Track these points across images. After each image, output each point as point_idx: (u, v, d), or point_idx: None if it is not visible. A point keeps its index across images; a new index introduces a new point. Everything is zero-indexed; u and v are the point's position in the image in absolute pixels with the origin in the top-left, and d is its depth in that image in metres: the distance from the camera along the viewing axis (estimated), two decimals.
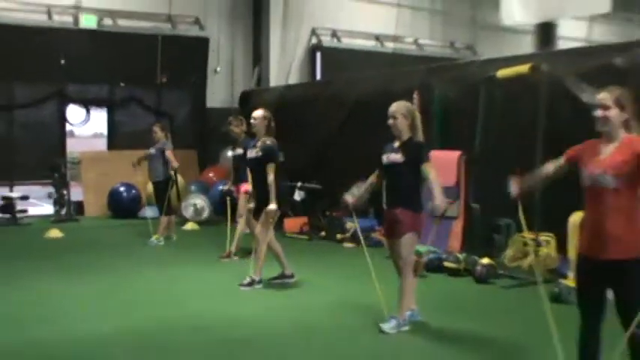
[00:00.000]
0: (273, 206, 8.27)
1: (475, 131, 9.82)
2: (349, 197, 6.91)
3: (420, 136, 6.68)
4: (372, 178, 6.95)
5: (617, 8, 14.28)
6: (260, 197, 8.48)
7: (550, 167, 4.80)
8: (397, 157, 6.62)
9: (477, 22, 21.44)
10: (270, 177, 8.31)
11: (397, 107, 6.71)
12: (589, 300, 4.49)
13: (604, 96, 4.41)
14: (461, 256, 9.46)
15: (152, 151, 11.91)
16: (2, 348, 6.21)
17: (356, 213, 7.34)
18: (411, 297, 6.76)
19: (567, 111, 9.40)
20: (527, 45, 20.77)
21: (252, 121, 8.73)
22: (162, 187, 11.82)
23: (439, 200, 6.30)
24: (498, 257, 9.86)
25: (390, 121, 6.68)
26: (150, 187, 12.96)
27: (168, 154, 11.73)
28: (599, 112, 4.40)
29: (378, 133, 7.10)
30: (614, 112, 4.36)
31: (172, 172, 11.83)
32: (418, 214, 6.65)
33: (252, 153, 8.65)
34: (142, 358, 6.01)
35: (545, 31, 21.07)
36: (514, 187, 4.91)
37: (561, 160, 4.68)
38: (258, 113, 8.70)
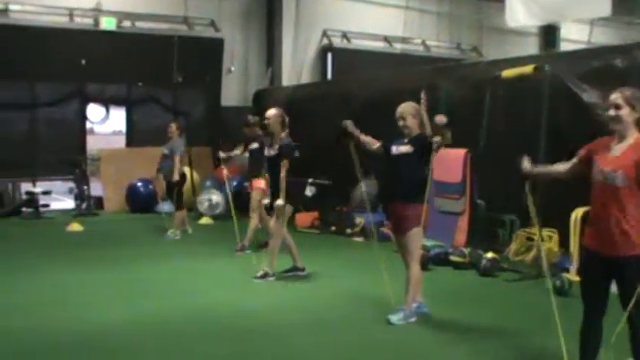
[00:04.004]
0: (280, 202, 8.30)
1: (480, 130, 9.80)
2: (348, 122, 7.12)
3: (428, 132, 6.69)
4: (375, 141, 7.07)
5: (617, 12, 14.26)
6: (275, 194, 8.48)
7: (562, 167, 4.83)
8: (406, 148, 6.66)
9: (482, 25, 21.40)
10: (283, 173, 8.32)
11: (405, 108, 6.74)
12: (593, 293, 4.49)
13: (615, 96, 4.40)
14: (466, 251, 9.46)
15: (165, 151, 11.93)
16: (22, 333, 6.28)
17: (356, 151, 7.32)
18: (418, 289, 6.76)
19: (569, 110, 9.38)
20: (531, 47, 20.81)
21: (266, 121, 8.72)
22: (174, 185, 11.84)
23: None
24: (502, 251, 9.87)
25: (400, 122, 6.71)
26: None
27: (177, 160, 11.70)
28: (611, 112, 4.39)
29: (387, 130, 7.10)
30: (625, 111, 4.34)
31: (184, 170, 11.86)
32: (420, 206, 6.65)
33: (270, 152, 8.66)
34: (158, 343, 6.04)
35: (548, 34, 21.12)
36: (526, 164, 4.93)
37: (575, 160, 4.69)
38: (271, 112, 8.69)
